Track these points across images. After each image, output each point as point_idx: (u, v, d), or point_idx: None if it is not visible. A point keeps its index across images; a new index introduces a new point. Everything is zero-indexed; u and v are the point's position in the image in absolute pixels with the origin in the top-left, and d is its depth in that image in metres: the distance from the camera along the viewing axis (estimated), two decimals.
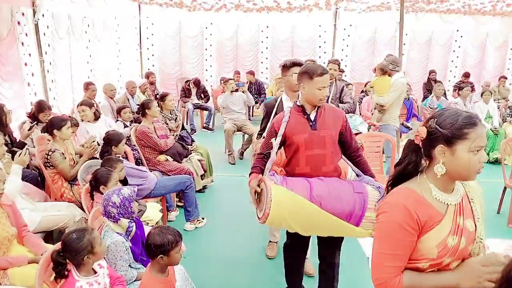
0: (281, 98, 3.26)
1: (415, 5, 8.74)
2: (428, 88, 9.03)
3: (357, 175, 2.62)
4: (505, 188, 4.74)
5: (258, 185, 2.45)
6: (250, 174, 2.63)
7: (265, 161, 2.60)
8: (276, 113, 3.12)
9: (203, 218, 4.43)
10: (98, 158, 3.92)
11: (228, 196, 5.28)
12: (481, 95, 7.55)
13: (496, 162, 6.45)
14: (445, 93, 7.98)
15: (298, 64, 3.09)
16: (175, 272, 2.58)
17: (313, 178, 2.42)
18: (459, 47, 11.11)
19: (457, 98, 7.39)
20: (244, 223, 4.38)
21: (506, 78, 10.16)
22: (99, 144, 4.04)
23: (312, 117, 2.53)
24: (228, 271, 3.55)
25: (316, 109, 2.53)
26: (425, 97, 8.72)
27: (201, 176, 5.13)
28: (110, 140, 3.72)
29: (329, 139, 2.50)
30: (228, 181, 5.79)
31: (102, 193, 2.87)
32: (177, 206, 4.69)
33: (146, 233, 2.42)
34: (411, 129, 7.01)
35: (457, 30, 10.92)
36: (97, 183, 3.01)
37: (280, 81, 4.21)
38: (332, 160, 2.53)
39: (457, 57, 11.17)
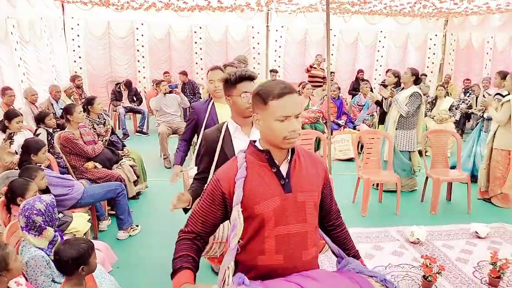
0: (226, 125, 2.29)
1: (341, 7, 9.13)
2: (356, 86, 9.48)
3: (337, 256, 1.76)
4: (427, 178, 5.10)
5: None
6: (173, 273, 1.64)
7: (199, 246, 1.67)
8: (222, 150, 2.23)
9: (137, 226, 4.27)
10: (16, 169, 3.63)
11: (163, 201, 5.08)
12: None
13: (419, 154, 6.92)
14: (371, 91, 8.41)
15: (249, 78, 2.24)
16: (105, 284, 2.46)
17: (296, 276, 1.53)
18: (383, 47, 11.79)
19: None
20: (180, 228, 4.29)
21: (426, 75, 10.97)
22: (17, 153, 3.74)
23: (283, 170, 1.59)
24: (164, 278, 3.44)
25: (289, 157, 1.61)
26: (352, 96, 9.15)
27: (134, 182, 4.95)
28: (29, 148, 3.46)
29: (311, 206, 1.62)
30: (163, 186, 5.61)
31: (19, 206, 2.66)
32: (109, 214, 4.49)
33: None
34: (341, 126, 7.30)
35: (381, 31, 11.59)
36: (13, 195, 2.79)
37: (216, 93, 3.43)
38: (315, 241, 1.66)
39: (382, 56, 11.85)
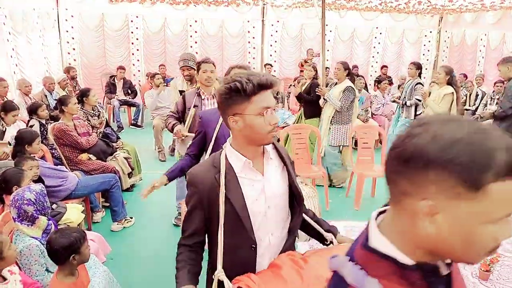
0: (225, 159, 1.52)
1: (337, 2, 9.13)
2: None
3: None
4: None
5: None
6: None
7: None
8: (227, 201, 1.48)
9: (131, 218, 4.27)
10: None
11: (157, 194, 5.07)
12: (398, 88, 8.12)
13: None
14: (366, 87, 8.44)
15: (270, 86, 1.45)
16: (98, 274, 2.47)
17: None
18: (379, 43, 11.81)
19: (376, 91, 7.87)
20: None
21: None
22: (10, 144, 3.72)
23: None
24: (157, 270, 3.47)
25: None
26: None
27: (129, 174, 4.94)
28: (22, 139, 3.44)
29: None
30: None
31: None
32: (103, 206, 4.48)
33: None
34: None
35: (377, 27, 11.61)
36: (7, 184, 2.78)
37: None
38: None
39: (377, 52, 11.87)
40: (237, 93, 1.41)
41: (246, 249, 1.51)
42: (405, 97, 5.84)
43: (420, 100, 5.60)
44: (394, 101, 7.35)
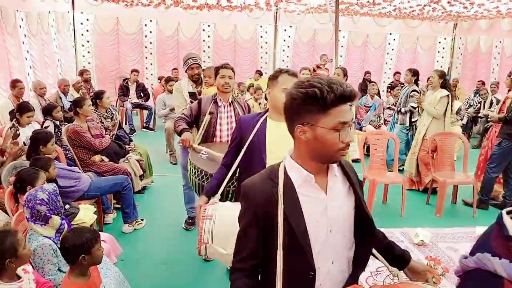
0: (285, 172, 1.36)
1: (350, 8, 9.11)
2: (363, 88, 9.46)
3: None
4: (432, 181, 5.08)
5: None
6: None
7: None
8: (286, 221, 1.31)
9: (142, 220, 4.29)
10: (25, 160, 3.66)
11: (168, 197, 5.16)
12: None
13: None
14: (378, 93, 8.39)
15: (350, 98, 1.27)
16: (110, 274, 2.48)
17: None
18: (392, 49, 11.76)
19: (389, 97, 7.82)
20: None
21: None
22: (25, 144, 3.77)
23: None
24: (167, 272, 3.47)
25: None
26: (359, 97, 9.13)
27: (140, 176, 4.97)
28: (38, 140, 3.48)
29: None
30: (168, 182, 5.66)
31: None
32: (115, 208, 4.51)
33: None
34: None
35: (390, 33, 11.56)
36: (22, 183, 2.81)
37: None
38: None
39: (391, 59, 11.81)
40: (313, 101, 1.23)
41: (304, 276, 1.33)
42: (400, 104, 5.88)
43: (414, 108, 5.65)
44: (389, 108, 7.37)
